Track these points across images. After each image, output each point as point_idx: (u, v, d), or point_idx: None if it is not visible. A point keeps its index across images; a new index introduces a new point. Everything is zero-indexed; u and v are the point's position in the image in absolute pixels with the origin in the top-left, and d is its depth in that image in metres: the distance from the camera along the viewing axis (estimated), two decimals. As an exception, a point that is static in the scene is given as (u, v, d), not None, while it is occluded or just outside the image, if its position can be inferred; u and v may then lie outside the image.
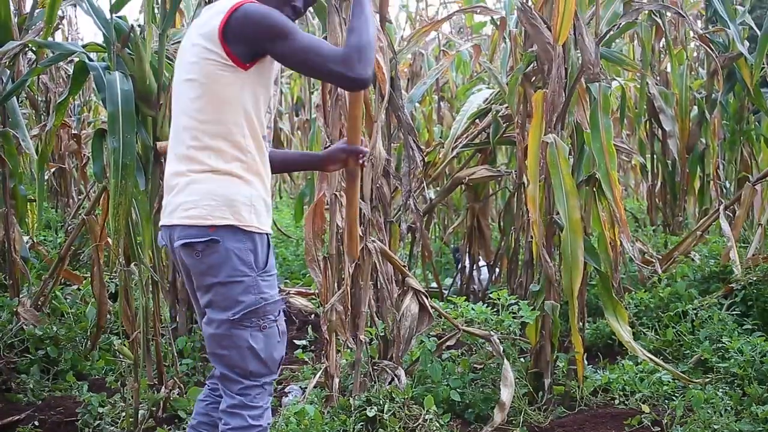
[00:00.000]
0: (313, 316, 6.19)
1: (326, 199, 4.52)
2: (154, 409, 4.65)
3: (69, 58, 6.54)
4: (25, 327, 5.58)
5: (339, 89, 4.35)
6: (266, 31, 2.93)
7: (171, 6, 4.76)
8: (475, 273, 7.07)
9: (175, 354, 5.00)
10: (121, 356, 4.94)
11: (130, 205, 4.35)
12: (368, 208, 4.51)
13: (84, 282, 6.36)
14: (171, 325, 5.46)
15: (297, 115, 10.76)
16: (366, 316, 4.56)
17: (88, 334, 5.58)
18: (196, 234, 3.01)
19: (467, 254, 6.95)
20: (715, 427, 4.20)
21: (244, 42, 2.94)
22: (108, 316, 5.53)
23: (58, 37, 9.64)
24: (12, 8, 5.91)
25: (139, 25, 4.75)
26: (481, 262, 7.12)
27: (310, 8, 4.02)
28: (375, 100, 4.62)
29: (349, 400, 4.34)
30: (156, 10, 4.77)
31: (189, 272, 3.15)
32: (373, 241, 4.51)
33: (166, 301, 5.53)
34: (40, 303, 5.87)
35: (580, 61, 4.74)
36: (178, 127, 3.10)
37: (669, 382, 4.82)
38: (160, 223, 3.18)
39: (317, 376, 4.70)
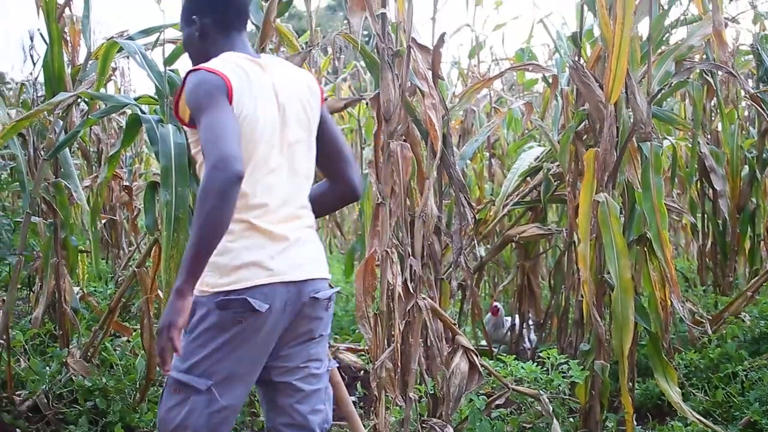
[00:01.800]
0: (362, 372, 6.21)
1: (377, 255, 4.54)
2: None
3: (121, 110, 6.54)
4: (74, 378, 5.61)
5: (391, 145, 4.41)
6: None
7: None
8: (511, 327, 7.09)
9: None
10: None
11: (181, 257, 4.36)
12: (419, 265, 4.56)
13: (134, 334, 6.38)
14: None
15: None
16: (416, 373, 4.57)
17: (137, 386, 5.59)
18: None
19: (517, 312, 6.95)
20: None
21: None
22: (157, 369, 5.44)
23: (111, 88, 9.78)
24: (65, 59, 6.02)
25: None
26: (509, 318, 7.16)
27: (362, 64, 4.07)
28: (427, 157, 4.69)
29: (398, 457, 4.34)
30: None
31: (300, 328, 3.17)
32: (424, 298, 4.54)
33: None
34: (89, 354, 5.90)
35: (631, 120, 4.79)
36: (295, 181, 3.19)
37: (719, 444, 4.77)
38: (289, 278, 3.07)
39: (366, 432, 4.71)
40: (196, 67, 3.03)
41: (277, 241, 3.06)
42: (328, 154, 3.40)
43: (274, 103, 3.09)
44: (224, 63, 3.03)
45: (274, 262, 3.02)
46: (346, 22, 4.81)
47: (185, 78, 3.02)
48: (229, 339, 2.96)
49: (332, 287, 3.21)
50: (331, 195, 3.55)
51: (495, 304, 6.99)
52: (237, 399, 3.10)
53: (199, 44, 3.26)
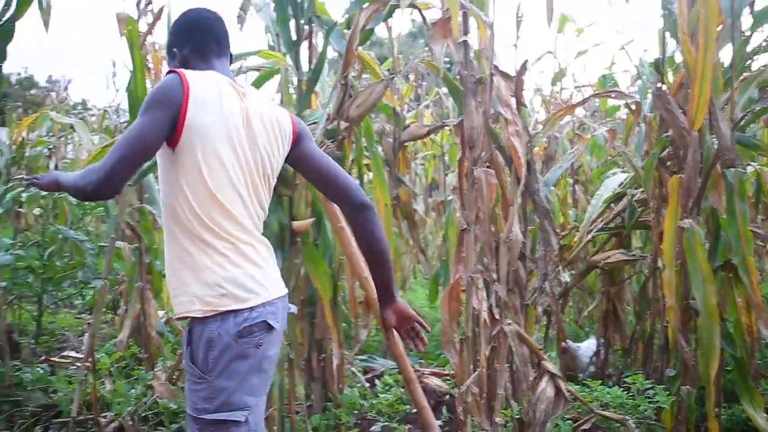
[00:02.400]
0: (447, 396, 6.35)
1: (462, 281, 4.70)
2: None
3: None
4: (159, 400, 5.83)
5: (475, 172, 4.60)
6: None
7: (307, 87, 5.09)
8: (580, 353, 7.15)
9: (311, 431, 5.19)
10: None
11: None
12: (504, 291, 4.72)
13: None
14: (306, 402, 5.62)
15: (431, 196, 10.98)
16: (501, 398, 4.70)
17: None
18: None
19: (602, 338, 7.04)
20: None
21: None
22: None
23: None
24: (148, 86, 6.26)
25: None
26: (574, 344, 7.23)
27: (444, 90, 4.25)
28: (511, 184, 4.86)
29: (483, 482, 4.47)
30: (292, 90, 5.08)
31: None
32: (509, 323, 4.69)
33: (301, 379, 5.62)
34: (174, 377, 6.11)
35: (715, 147, 4.91)
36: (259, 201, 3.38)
37: (806, 470, 4.85)
38: (280, 295, 3.31)
39: (452, 457, 4.87)
40: (170, 69, 3.23)
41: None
42: (321, 183, 3.60)
43: (240, 125, 3.24)
44: (201, 75, 3.22)
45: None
46: (427, 49, 4.99)
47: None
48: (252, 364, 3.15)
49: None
50: (346, 217, 3.90)
51: (563, 344, 7.02)
52: (262, 415, 3.31)
53: None
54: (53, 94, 21.52)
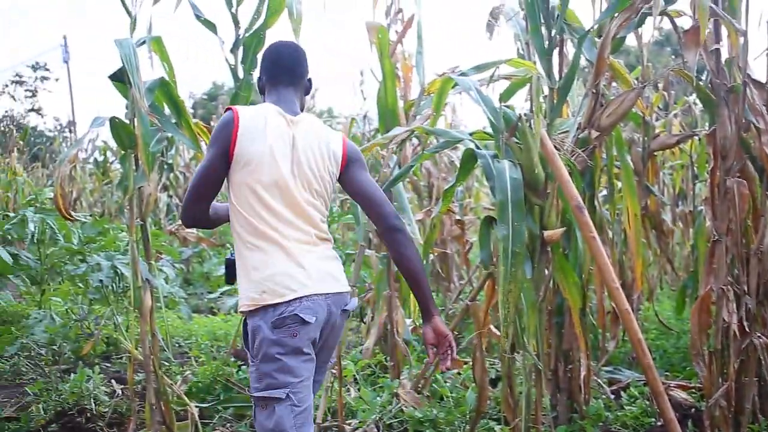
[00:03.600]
0: (692, 410, 6.23)
1: (713, 293, 4.86)
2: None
3: (453, 146, 6.87)
4: (404, 408, 6.13)
5: (728, 182, 4.79)
6: None
7: (559, 97, 5.33)
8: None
9: None
10: None
11: (519, 292, 4.75)
12: (753, 303, 4.86)
13: (464, 367, 6.81)
14: (551, 413, 5.77)
15: (678, 206, 11.01)
16: (748, 412, 4.82)
17: (467, 418, 5.94)
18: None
19: None
20: None
21: None
22: (488, 401, 5.80)
23: (440, 123, 10.36)
24: (398, 94, 6.64)
25: (524, 114, 5.08)
26: None
27: (693, 99, 4.42)
28: (762, 194, 5.01)
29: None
30: (542, 100, 5.23)
31: (330, 336, 4.21)
32: (759, 336, 4.82)
33: (547, 390, 5.77)
34: (420, 385, 6.38)
35: None
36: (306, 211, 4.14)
37: None
38: (327, 290, 4.05)
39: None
40: (227, 107, 4.21)
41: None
42: (362, 203, 4.35)
43: (286, 149, 4.08)
44: (253, 109, 4.19)
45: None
46: (673, 57, 5.17)
47: None
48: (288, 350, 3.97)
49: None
50: (381, 238, 4.77)
51: None
52: (311, 400, 4.10)
53: (261, 97, 4.45)
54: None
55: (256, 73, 5.02)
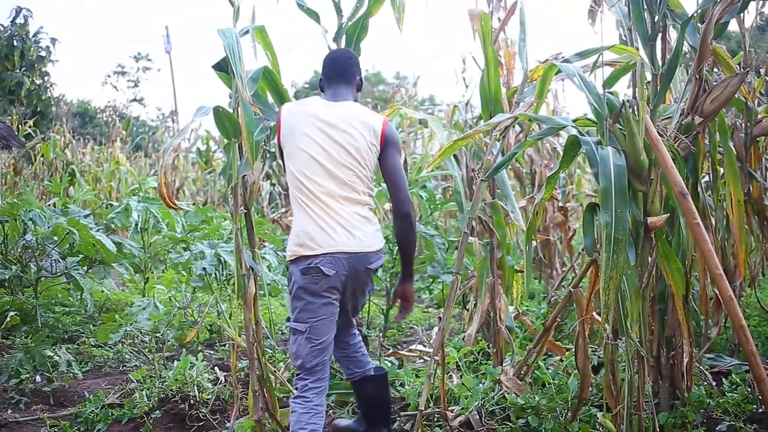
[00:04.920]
0: None
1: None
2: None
3: (556, 132, 6.84)
4: (507, 395, 6.20)
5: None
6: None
7: (662, 83, 5.33)
8: None
9: (657, 429, 5.33)
10: (602, 429, 5.41)
11: (620, 279, 4.76)
12: None
13: (567, 353, 6.85)
14: (653, 400, 5.68)
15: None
16: None
17: (569, 405, 5.98)
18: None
19: None
20: None
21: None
22: (590, 388, 5.86)
23: (543, 110, 10.33)
24: (501, 81, 6.68)
25: (628, 101, 5.06)
26: None
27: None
28: None
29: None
30: (645, 86, 5.24)
31: (355, 288, 5.39)
32: None
33: (649, 376, 5.75)
34: (522, 372, 6.42)
35: None
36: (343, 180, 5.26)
37: None
38: (349, 249, 5.22)
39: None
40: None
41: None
42: (387, 183, 5.48)
43: (321, 127, 5.27)
44: (299, 102, 5.56)
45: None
46: None
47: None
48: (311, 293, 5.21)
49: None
50: (392, 210, 5.65)
51: None
52: (327, 337, 5.30)
53: (321, 95, 5.58)
54: (402, 89, 22.56)
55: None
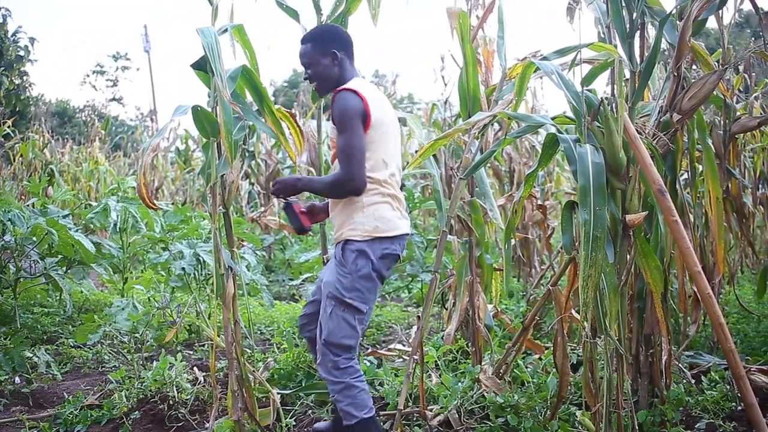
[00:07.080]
0: None
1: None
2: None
3: (534, 130, 6.96)
4: (486, 394, 6.17)
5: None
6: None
7: (641, 80, 5.31)
8: None
9: (636, 427, 5.31)
10: (581, 427, 5.45)
11: (599, 277, 4.72)
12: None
13: (546, 352, 6.85)
14: (632, 398, 5.66)
15: (759, 189, 10.91)
16: None
17: (548, 403, 5.98)
18: None
19: None
20: None
21: None
22: (569, 387, 5.86)
23: (522, 108, 10.33)
24: (479, 79, 6.67)
25: (606, 98, 5.06)
26: None
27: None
28: None
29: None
30: (624, 84, 5.23)
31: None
32: None
33: (628, 374, 5.72)
34: (501, 371, 6.40)
35: None
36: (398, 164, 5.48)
37: None
38: (402, 232, 5.39)
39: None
40: (345, 87, 5.21)
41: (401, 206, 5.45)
42: None
43: (393, 114, 5.45)
44: (366, 86, 5.30)
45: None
46: (753, 39, 5.16)
47: (336, 95, 5.18)
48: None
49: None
50: None
51: None
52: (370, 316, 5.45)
53: (335, 72, 5.43)
54: (381, 88, 22.59)
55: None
